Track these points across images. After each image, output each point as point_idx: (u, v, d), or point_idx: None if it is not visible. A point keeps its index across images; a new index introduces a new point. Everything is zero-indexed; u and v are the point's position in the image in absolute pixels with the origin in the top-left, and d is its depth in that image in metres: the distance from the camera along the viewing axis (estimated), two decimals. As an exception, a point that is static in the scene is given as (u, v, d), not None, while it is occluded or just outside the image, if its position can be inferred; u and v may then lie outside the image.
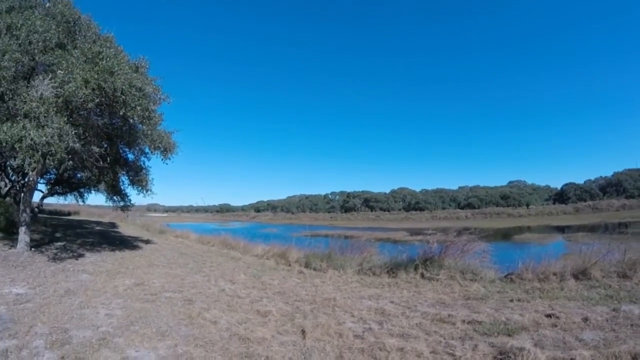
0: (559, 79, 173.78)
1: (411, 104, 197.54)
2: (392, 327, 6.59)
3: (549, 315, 6.70)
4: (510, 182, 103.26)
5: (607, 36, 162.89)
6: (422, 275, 10.92)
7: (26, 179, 14.05)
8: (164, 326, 6.55)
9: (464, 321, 6.72)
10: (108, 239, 21.01)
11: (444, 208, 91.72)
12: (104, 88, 10.84)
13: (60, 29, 11.80)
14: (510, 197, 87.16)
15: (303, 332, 6.37)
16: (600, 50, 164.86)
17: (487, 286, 9.55)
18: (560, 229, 42.56)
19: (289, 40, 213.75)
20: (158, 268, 12.59)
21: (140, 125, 13.41)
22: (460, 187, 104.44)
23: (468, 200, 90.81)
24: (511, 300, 8.02)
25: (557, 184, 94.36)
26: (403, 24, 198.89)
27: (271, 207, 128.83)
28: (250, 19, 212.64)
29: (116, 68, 11.15)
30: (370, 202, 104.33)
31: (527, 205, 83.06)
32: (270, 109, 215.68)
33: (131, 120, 12.69)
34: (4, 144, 10.09)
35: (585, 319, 6.37)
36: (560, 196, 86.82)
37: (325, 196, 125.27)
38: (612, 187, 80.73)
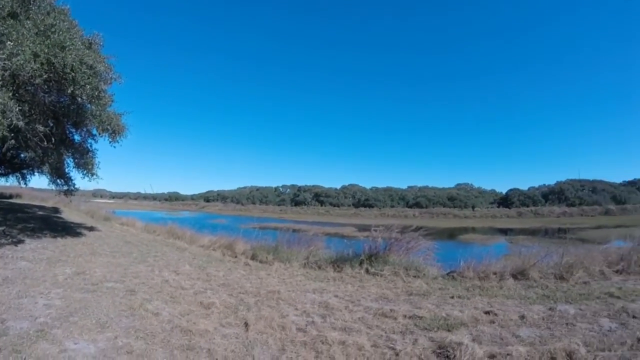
0: (508, 87, 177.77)
1: (365, 101, 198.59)
2: (335, 321, 6.67)
3: (487, 312, 6.92)
4: (457, 185, 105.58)
5: (559, 43, 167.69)
6: (367, 271, 11.07)
7: (-35, 158, 13.42)
8: (104, 317, 6.41)
9: (405, 316, 6.88)
10: (50, 224, 20.29)
11: (392, 206, 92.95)
12: (53, 63, 10.38)
13: None
14: (457, 198, 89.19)
15: (246, 324, 6.36)
16: (551, 58, 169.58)
17: (430, 283, 9.80)
18: (503, 231, 44.02)
19: (241, 26, 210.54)
20: (101, 257, 12.28)
21: (89, 105, 12.81)
22: (409, 187, 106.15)
23: (416, 200, 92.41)
24: (452, 297, 8.25)
25: (502, 189, 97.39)
26: (353, 17, 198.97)
27: (221, 197, 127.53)
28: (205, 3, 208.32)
29: (68, 43, 10.70)
30: (320, 197, 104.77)
31: (473, 207, 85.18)
32: (223, 98, 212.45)
33: (80, 99, 12.13)
34: None
35: (522, 317, 6.61)
36: (505, 200, 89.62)
37: (276, 189, 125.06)
38: (554, 195, 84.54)
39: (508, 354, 4.99)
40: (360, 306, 7.67)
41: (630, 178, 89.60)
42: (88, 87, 11.19)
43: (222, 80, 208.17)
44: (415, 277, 10.42)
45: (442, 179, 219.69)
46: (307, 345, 5.52)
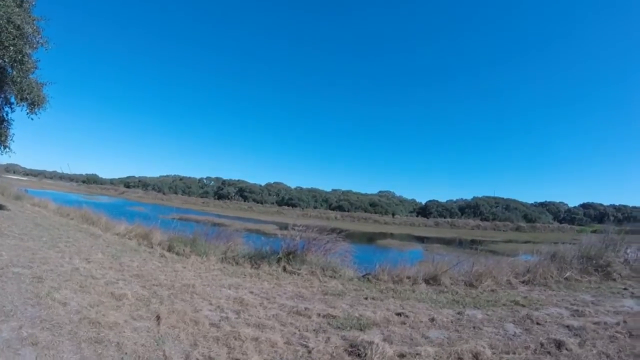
0: (434, 100, 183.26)
1: (297, 98, 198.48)
2: (249, 317, 6.69)
3: (399, 314, 7.20)
4: (380, 192, 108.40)
5: (480, 56, 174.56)
6: (284, 269, 11.21)
7: None
8: (8, 305, 6.10)
9: (319, 315, 7.01)
10: (-48, 203, 19.13)
11: (315, 207, 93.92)
12: None
13: None
14: (378, 205, 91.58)
15: (158, 318, 6.25)
16: (473, 71, 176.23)
17: (345, 284, 10.04)
18: (420, 239, 45.39)
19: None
20: (8, 239, 11.69)
21: (10, 70, 12.10)
22: (333, 190, 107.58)
23: (339, 203, 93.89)
24: (366, 298, 8.50)
25: (422, 199, 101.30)
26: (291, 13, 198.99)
27: (142, 184, 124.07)
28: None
29: None
30: (244, 192, 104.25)
31: (393, 214, 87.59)
32: (150, 79, 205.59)
33: (1, 62, 11.46)
34: None
35: (432, 319, 6.92)
36: (424, 210, 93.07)
37: (200, 180, 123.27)
38: (470, 208, 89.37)
39: (417, 354, 5.21)
40: (276, 303, 7.74)
41: (541, 200, 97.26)
42: (12, 49, 10.60)
43: (150, 60, 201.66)
44: (331, 277, 10.64)
45: (366, 185, 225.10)
46: (220, 341, 5.49)
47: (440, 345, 5.63)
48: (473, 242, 38.18)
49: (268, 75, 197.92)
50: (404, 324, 6.70)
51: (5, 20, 10.05)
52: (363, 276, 10.81)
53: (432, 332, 6.32)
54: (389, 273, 10.51)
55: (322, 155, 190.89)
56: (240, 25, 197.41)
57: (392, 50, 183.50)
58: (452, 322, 6.89)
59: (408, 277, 10.30)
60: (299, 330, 6.14)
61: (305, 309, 7.34)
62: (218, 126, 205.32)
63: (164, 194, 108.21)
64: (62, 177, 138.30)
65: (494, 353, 5.34)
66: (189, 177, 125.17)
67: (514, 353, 5.40)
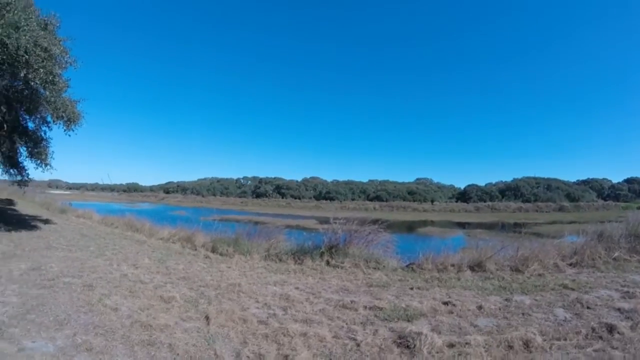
0: (468, 83, 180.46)
1: (327, 94, 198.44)
2: (296, 313, 6.72)
3: (446, 303, 7.10)
4: (417, 179, 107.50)
5: (511, 40, 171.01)
6: (328, 263, 11.18)
7: None
8: (62, 314, 6.27)
9: (366, 307, 6.99)
10: (3, 217, 19.72)
11: (353, 199, 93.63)
12: (7, 44, 10.06)
13: None
14: (416, 192, 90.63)
15: (207, 318, 6.34)
16: (507, 55, 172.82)
17: (390, 274, 9.96)
18: (461, 225, 44.87)
19: (202, 15, 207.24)
20: (57, 251, 11.99)
21: (43, 90, 12.45)
22: (370, 180, 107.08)
23: (377, 193, 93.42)
24: (411, 288, 8.42)
25: (460, 185, 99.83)
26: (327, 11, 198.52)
27: (181, 188, 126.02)
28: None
29: (23, 23, 10.40)
30: (282, 189, 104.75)
31: (432, 201, 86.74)
32: (182, 87, 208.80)
33: (33, 84, 11.83)
34: None
35: (480, 307, 6.81)
36: (463, 195, 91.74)
37: (237, 180, 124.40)
38: (511, 191, 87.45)
39: (466, 343, 5.15)
40: (321, 298, 7.75)
41: (583, 177, 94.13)
42: (42, 70, 10.88)
43: (181, 69, 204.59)
44: (375, 269, 10.57)
45: (402, 174, 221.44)
46: (269, 338, 5.54)
47: (489, 334, 5.56)
48: (516, 225, 37.23)
49: (293, 75, 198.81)
50: (452, 313, 6.63)
51: (32, 44, 10.34)
52: (407, 266, 10.72)
53: (480, 320, 6.23)
54: (433, 261, 10.38)
55: (357, 147, 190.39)
56: (257, 27, 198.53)
57: (430, 38, 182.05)
58: (500, 309, 6.78)
59: (452, 265, 10.16)
60: (346, 324, 6.14)
61: (351, 302, 7.33)
62: (252, 126, 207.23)
63: (202, 196, 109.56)
64: (103, 188, 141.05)
65: (544, 340, 5.23)
66: (226, 179, 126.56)
67: (565, 339, 5.29)
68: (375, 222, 12.39)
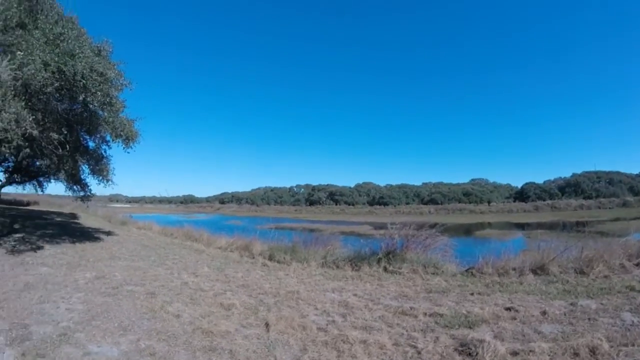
0: (519, 80, 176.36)
1: (376, 98, 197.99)
2: (356, 320, 6.66)
3: (508, 309, 6.86)
4: (472, 180, 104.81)
5: (568, 35, 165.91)
6: (385, 269, 11.04)
7: (-17, 168, 13.57)
8: (126, 320, 6.48)
9: (425, 314, 6.84)
10: (68, 230, 20.53)
11: (407, 203, 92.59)
12: (64, 71, 10.52)
13: (21, 8, 11.20)
14: (472, 194, 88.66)
15: (267, 325, 6.37)
16: (563, 51, 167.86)
17: (449, 280, 9.74)
18: (520, 226, 43.54)
19: (250, 27, 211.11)
20: (120, 260, 12.40)
21: (101, 112, 13.01)
22: (424, 183, 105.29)
23: (431, 196, 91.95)
24: (472, 294, 8.19)
25: (517, 183, 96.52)
26: (373, 17, 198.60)
27: (236, 199, 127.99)
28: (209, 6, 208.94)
29: (78, 51, 10.86)
30: (335, 196, 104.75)
31: (489, 202, 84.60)
32: (235, 100, 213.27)
33: (92, 106, 12.37)
34: None
35: (544, 313, 6.54)
36: (520, 195, 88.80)
37: (290, 189, 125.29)
38: (571, 187, 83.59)
39: (531, 351, 4.95)
40: (380, 304, 7.65)
41: None
42: (99, 93, 11.34)
43: (230, 81, 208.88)
44: (434, 274, 10.37)
45: (457, 175, 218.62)
46: (329, 345, 5.51)
47: (554, 340, 5.31)
48: (578, 224, 35.79)
49: (346, 82, 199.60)
50: (515, 319, 6.39)
51: (88, 70, 10.82)
52: (466, 270, 10.45)
53: (544, 326, 5.98)
54: (493, 265, 10.08)
55: (410, 149, 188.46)
56: (304, 36, 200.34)
57: (461, 40, 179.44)
58: (565, 314, 6.48)
59: (514, 269, 9.83)
60: (406, 331, 6.03)
61: (411, 308, 7.21)
62: (303, 134, 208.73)
63: (257, 205, 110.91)
64: (161, 200, 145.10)
65: (611, 346, 4.95)
66: (280, 187, 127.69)
67: (633, 344, 4.99)
68: (431, 226, 12.19)
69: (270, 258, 13.47)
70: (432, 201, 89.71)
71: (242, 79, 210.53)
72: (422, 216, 65.22)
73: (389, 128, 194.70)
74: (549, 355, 4.85)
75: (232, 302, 7.76)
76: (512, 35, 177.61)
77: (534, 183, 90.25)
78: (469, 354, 5.03)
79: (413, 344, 5.46)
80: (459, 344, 5.31)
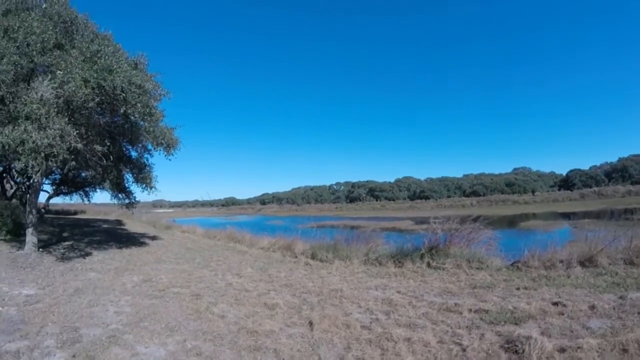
0: (562, 66, 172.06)
1: (414, 94, 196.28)
2: (399, 317, 6.61)
3: (555, 304, 6.70)
4: (515, 169, 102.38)
5: (609, 27, 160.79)
6: (429, 265, 10.93)
7: (31, 181, 14.06)
8: (172, 322, 6.62)
9: (470, 310, 6.75)
10: (115, 236, 21.08)
11: (449, 196, 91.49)
12: (103, 86, 10.86)
13: (57, 30, 11.75)
14: (515, 184, 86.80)
15: (311, 324, 6.40)
16: (602, 39, 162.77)
17: (494, 274, 9.58)
18: (566, 216, 42.23)
19: (287, 31, 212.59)
20: (165, 264, 12.67)
21: (141, 122, 13.37)
22: (465, 175, 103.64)
23: (473, 188, 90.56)
24: (518, 289, 8.03)
25: (562, 170, 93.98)
26: (402, 15, 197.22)
27: (276, 199, 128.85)
28: (248, 13, 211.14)
29: (115, 66, 11.19)
30: (375, 192, 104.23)
31: (532, 192, 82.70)
32: (272, 101, 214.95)
33: (132, 118, 12.71)
34: (6, 147, 10.10)
35: (592, 307, 6.35)
36: (565, 182, 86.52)
37: (330, 187, 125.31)
38: (618, 172, 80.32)
39: (578, 347, 4.80)
40: (424, 301, 7.58)
41: None
42: (139, 105, 11.67)
43: (270, 83, 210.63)
44: (478, 269, 10.21)
45: (499, 165, 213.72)
46: (373, 343, 5.49)
47: (602, 336, 5.12)
48: (626, 211, 34.40)
49: (378, 80, 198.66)
50: (562, 314, 6.21)
51: (127, 83, 11.17)
52: (511, 264, 10.25)
53: (592, 321, 5.79)
54: (539, 258, 9.82)
55: (449, 141, 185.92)
56: (340, 36, 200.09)
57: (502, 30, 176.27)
58: (614, 308, 6.26)
59: (561, 261, 9.57)
60: (451, 328, 5.95)
61: (455, 304, 7.11)
62: (341, 131, 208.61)
63: (297, 205, 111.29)
64: (203, 204, 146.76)
65: (662, 342, 4.79)
66: (320, 186, 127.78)
67: (685, 340, 4.81)
68: (474, 219, 11.98)
69: (313, 257, 13.52)
70: (474, 193, 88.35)
71: (280, 80, 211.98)
72: (464, 209, 64.36)
73: (427, 119, 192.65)
74: (597, 352, 4.69)
75: (276, 301, 7.82)
76: (556, 25, 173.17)
77: (579, 170, 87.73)
78: (515, 351, 4.93)
79: (458, 341, 5.38)
80: (505, 341, 5.21)
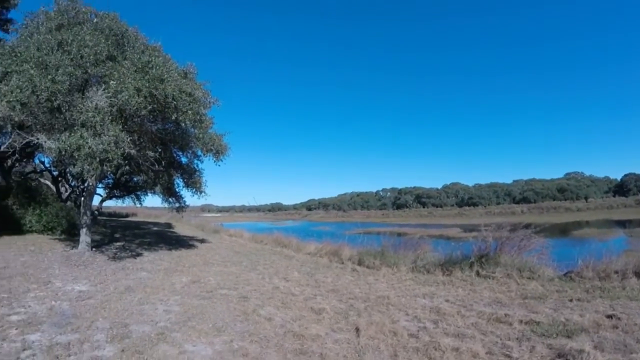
0: (618, 67, 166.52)
1: (462, 97, 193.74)
2: (447, 327, 6.51)
3: (610, 316, 6.49)
4: (567, 174, 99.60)
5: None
6: (478, 273, 10.74)
7: (86, 184, 14.65)
8: (220, 322, 6.71)
9: (521, 321, 6.57)
10: (164, 238, 21.57)
11: (498, 203, 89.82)
12: (155, 95, 11.28)
13: (109, 42, 12.28)
14: (567, 190, 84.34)
15: (357, 330, 6.36)
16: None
17: (546, 285, 9.33)
18: (621, 224, 40.69)
19: (328, 38, 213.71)
20: (213, 266, 12.85)
21: (192, 129, 13.84)
22: (515, 181, 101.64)
23: (523, 194, 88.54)
24: (570, 300, 7.81)
25: (616, 174, 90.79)
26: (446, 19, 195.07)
27: (323, 205, 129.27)
28: (291, 20, 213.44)
29: (166, 75, 11.61)
30: (422, 198, 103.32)
31: (586, 198, 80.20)
32: (318, 108, 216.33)
33: (183, 125, 13.14)
34: (63, 153, 10.71)
35: (648, 321, 6.12)
36: (621, 188, 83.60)
37: (377, 193, 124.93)
38: (677, 175, 76.82)
39: (633, 363, 4.63)
40: (473, 311, 7.45)
41: None
42: (190, 112, 12.05)
43: (316, 89, 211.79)
44: (529, 278, 9.97)
45: (550, 169, 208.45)
46: (420, 352, 5.41)
47: (658, 352, 4.94)
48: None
49: (422, 83, 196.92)
50: (616, 327, 5.99)
51: (177, 91, 11.61)
52: (564, 275, 9.95)
53: (648, 336, 5.58)
54: (593, 269, 9.52)
55: (498, 145, 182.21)
56: (387, 42, 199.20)
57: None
58: (671, 322, 6.03)
59: (616, 272, 9.24)
60: (500, 339, 5.80)
61: (505, 315, 6.95)
62: (388, 137, 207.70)
63: (344, 211, 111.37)
64: (250, 209, 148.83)
65: None
66: (366, 192, 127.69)
67: None
68: (525, 227, 11.68)
69: (360, 263, 13.48)
70: (525, 200, 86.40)
71: (324, 85, 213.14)
72: (514, 216, 62.96)
73: (476, 125, 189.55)
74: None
75: (323, 306, 7.83)
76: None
77: (634, 174, 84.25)
78: (567, 365, 4.78)
79: (507, 353, 5.25)
80: (557, 355, 5.06)
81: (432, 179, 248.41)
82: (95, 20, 12.99)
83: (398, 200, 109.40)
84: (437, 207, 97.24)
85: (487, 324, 6.61)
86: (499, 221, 12.47)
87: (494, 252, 11.08)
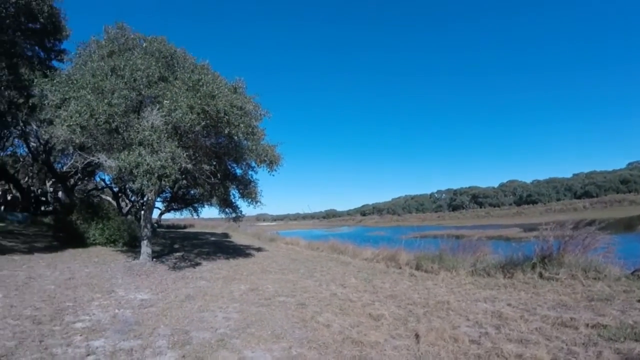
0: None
1: (516, 92, 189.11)
2: (510, 332, 6.33)
3: (684, 318, 6.14)
4: (630, 164, 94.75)
5: None
6: (541, 275, 10.36)
7: (145, 199, 15.25)
8: (278, 329, 6.78)
9: (587, 325, 6.31)
10: (222, 248, 22.01)
11: (558, 199, 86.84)
12: (207, 111, 11.70)
13: (159, 64, 12.92)
14: (630, 181, 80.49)
15: (417, 336, 6.29)
16: None
17: (612, 285, 8.93)
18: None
19: (370, 44, 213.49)
20: (271, 274, 13.00)
21: (245, 142, 14.29)
22: (575, 175, 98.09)
23: (585, 189, 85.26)
24: (638, 301, 7.48)
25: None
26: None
27: (377, 210, 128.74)
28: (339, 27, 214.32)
29: (216, 92, 12.02)
30: (478, 198, 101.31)
31: (653, 189, 76.20)
32: (369, 113, 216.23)
33: (236, 138, 13.51)
34: (123, 170, 11.38)
35: None
36: (692, 176, 78.96)
37: (431, 195, 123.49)
38: None
39: None
40: (537, 315, 7.22)
41: None
42: (242, 125, 12.51)
43: (360, 93, 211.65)
44: (595, 279, 9.55)
45: (611, 159, 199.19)
46: (482, 358, 5.30)
47: None
48: None
49: (483, 82, 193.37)
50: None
51: (229, 106, 12.04)
52: (632, 273, 9.48)
53: None
54: (663, 266, 9.10)
55: (556, 138, 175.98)
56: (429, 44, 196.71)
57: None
58: None
59: (690, 270, 8.81)
60: (566, 345, 5.59)
61: (571, 319, 6.69)
62: (442, 138, 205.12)
63: (398, 215, 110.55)
64: (304, 217, 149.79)
65: None
66: (420, 195, 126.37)
67: None
68: (589, 223, 11.19)
69: (417, 267, 13.34)
70: (586, 194, 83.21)
71: (377, 90, 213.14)
72: (576, 212, 60.81)
73: (531, 120, 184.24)
74: None
75: (381, 312, 7.78)
76: None
77: None
78: (636, 371, 4.57)
79: (573, 359, 5.07)
80: (624, 360, 4.83)
81: (488, 178, 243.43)
82: (144, 44, 13.74)
83: (454, 202, 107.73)
84: (494, 206, 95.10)
85: (552, 329, 6.39)
86: (561, 219, 12.03)
87: (556, 252, 10.66)
